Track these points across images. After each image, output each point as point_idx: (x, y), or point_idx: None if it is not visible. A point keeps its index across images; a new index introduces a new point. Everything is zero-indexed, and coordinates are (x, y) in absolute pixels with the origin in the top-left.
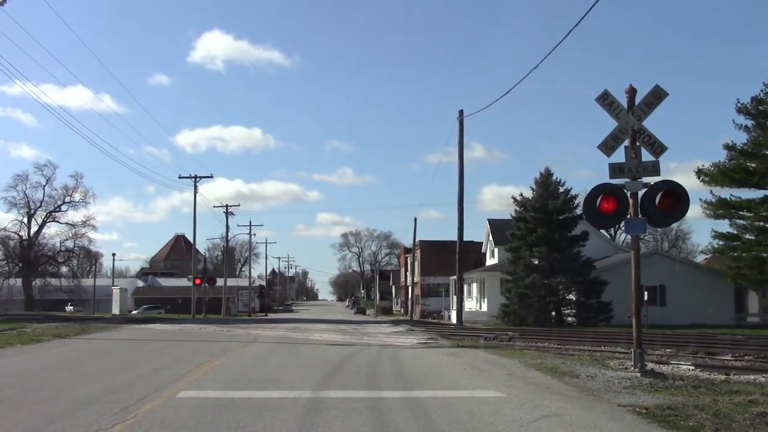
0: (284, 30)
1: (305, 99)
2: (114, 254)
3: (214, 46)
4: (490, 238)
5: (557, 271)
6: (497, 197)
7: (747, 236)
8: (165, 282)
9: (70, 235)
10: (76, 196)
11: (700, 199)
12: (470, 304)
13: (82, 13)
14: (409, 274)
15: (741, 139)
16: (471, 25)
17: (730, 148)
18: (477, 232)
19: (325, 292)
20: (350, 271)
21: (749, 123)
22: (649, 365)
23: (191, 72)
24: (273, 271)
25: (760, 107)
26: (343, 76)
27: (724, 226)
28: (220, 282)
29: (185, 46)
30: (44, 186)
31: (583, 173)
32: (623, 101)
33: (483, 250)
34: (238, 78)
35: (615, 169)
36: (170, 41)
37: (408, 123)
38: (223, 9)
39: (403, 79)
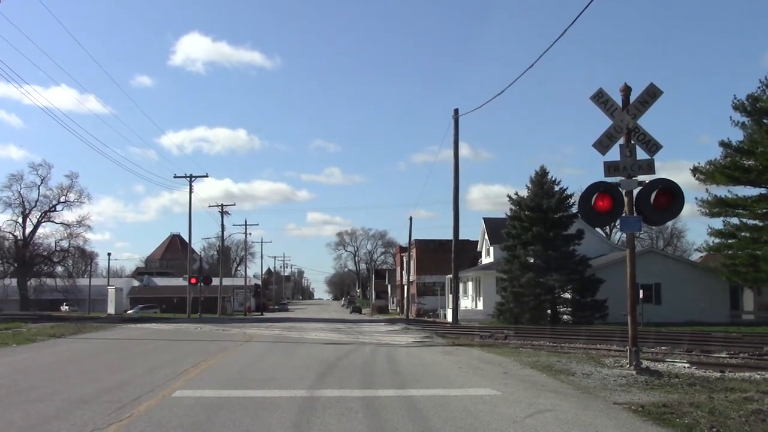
0: (263, 30)
1: (288, 99)
2: (109, 254)
3: (194, 49)
4: (486, 236)
5: (552, 269)
6: (485, 196)
7: (742, 234)
8: (160, 281)
9: (65, 234)
10: (71, 196)
11: (696, 198)
12: (466, 303)
13: (60, 16)
14: (404, 272)
15: (735, 136)
16: (459, 23)
17: (725, 145)
18: (469, 230)
19: (321, 291)
20: (346, 270)
21: (745, 120)
22: (645, 363)
23: (173, 74)
24: (269, 270)
25: (756, 105)
26: (325, 76)
27: (719, 224)
28: (215, 281)
29: (165, 49)
30: (39, 186)
31: (570, 172)
32: (617, 99)
33: (478, 249)
34: (219, 79)
35: (610, 168)
36: (150, 44)
37: (394, 122)
38: (199, 11)
39: (388, 77)
